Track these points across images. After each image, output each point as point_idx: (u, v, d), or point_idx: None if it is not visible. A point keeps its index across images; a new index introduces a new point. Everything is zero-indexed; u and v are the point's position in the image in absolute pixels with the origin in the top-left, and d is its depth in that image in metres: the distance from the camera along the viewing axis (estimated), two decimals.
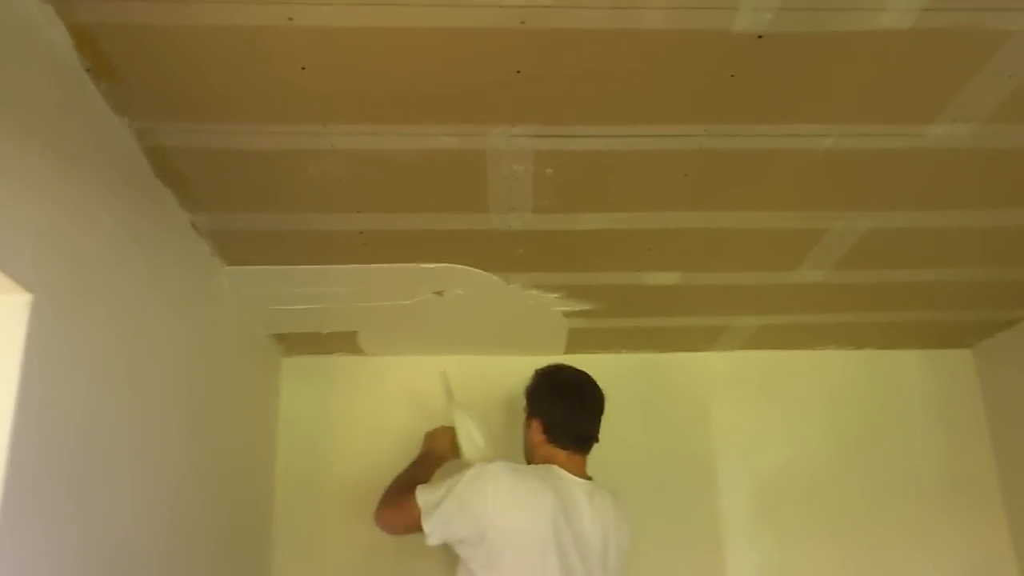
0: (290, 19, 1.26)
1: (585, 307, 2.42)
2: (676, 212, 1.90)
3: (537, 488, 1.90)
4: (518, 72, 1.40)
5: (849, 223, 1.97)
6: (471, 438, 2.24)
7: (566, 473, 1.98)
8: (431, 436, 2.37)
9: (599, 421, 2.09)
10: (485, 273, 2.17)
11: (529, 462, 2.10)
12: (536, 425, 2.07)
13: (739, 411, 2.83)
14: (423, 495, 1.94)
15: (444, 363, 2.69)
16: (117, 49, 1.31)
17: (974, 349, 2.90)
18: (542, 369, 2.19)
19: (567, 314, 2.47)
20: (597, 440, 2.08)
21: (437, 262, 2.10)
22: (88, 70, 1.35)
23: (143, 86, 1.40)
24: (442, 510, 1.88)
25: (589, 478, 2.04)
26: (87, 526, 1.39)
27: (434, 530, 1.89)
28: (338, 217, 1.86)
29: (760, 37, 1.33)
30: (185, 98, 1.44)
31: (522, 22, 1.28)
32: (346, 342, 2.65)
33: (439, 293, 2.27)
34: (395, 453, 2.59)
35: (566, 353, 2.75)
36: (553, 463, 2.00)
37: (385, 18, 1.27)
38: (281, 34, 1.29)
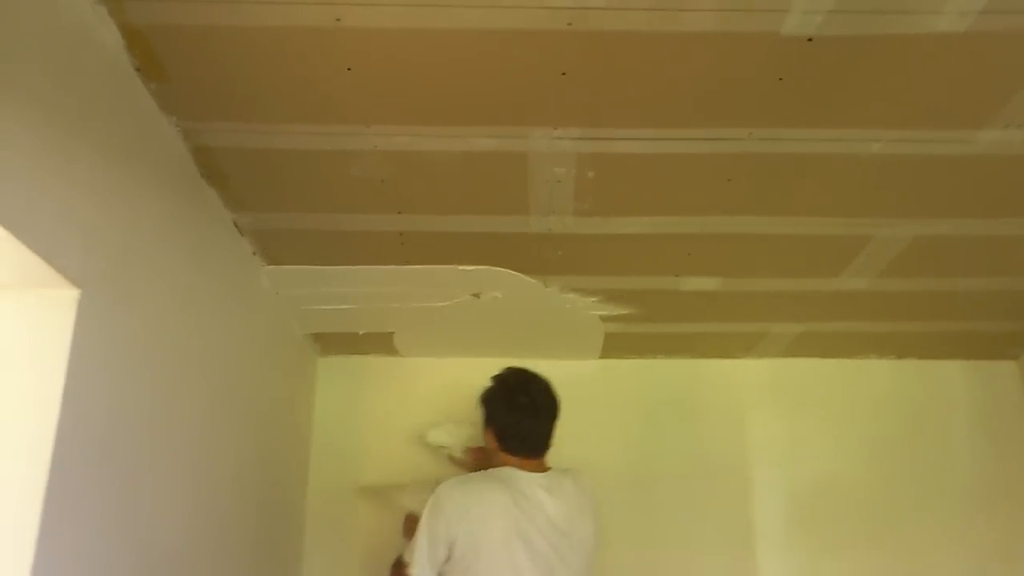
0: (338, 20, 1.26)
1: (622, 311, 2.41)
2: (718, 216, 1.88)
3: (487, 489, 1.94)
4: (563, 74, 1.39)
5: (894, 230, 1.94)
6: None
7: (518, 471, 1.99)
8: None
9: (551, 425, 2.08)
10: (523, 276, 2.16)
11: (491, 467, 2.10)
12: (490, 432, 2.09)
13: (776, 419, 2.79)
14: (406, 555, 1.97)
15: (479, 366, 2.70)
16: (167, 49, 1.33)
17: (1020, 360, 2.84)
18: (496, 375, 2.18)
19: (604, 318, 2.46)
20: (549, 444, 2.08)
21: (476, 264, 2.10)
22: (138, 70, 1.37)
23: (191, 86, 1.42)
24: (420, 552, 1.91)
25: (546, 469, 2.04)
26: (128, 522, 1.40)
27: (422, 569, 1.90)
28: (378, 218, 1.87)
29: (810, 40, 1.31)
30: (232, 98, 1.46)
31: (569, 24, 1.28)
32: (382, 343, 2.65)
33: (476, 295, 2.27)
34: (427, 454, 2.60)
35: (601, 358, 2.74)
36: (504, 467, 2.02)
37: (432, 19, 1.27)
38: (329, 35, 1.29)
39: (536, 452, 2.05)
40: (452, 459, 2.54)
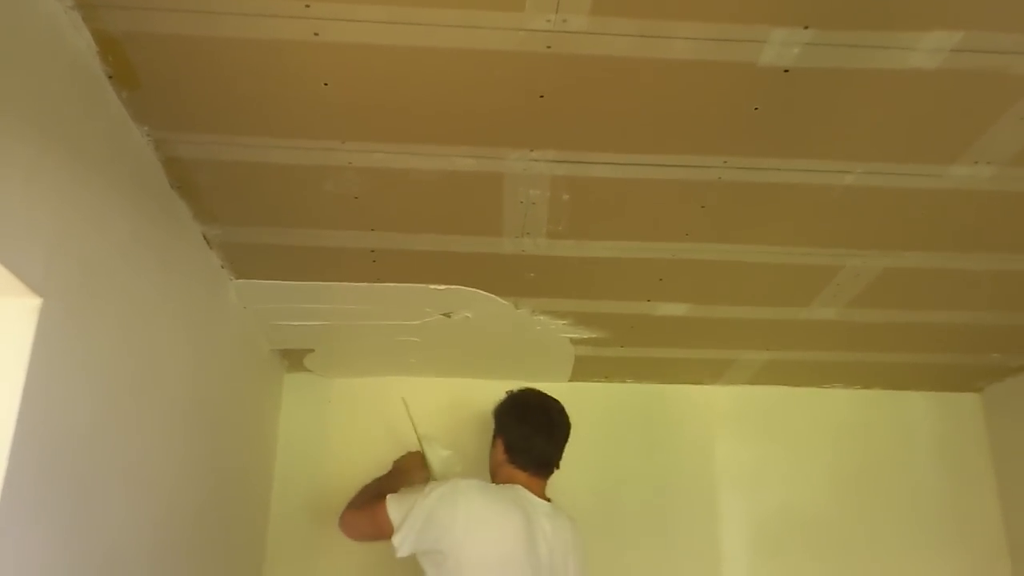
0: (316, 34, 1.25)
1: (593, 335, 2.41)
2: (690, 243, 1.89)
3: (507, 508, 1.91)
4: (541, 97, 1.40)
5: (864, 261, 1.96)
6: (439, 457, 2.28)
7: (531, 494, 1.98)
8: (400, 460, 2.37)
9: (562, 448, 2.09)
10: (495, 297, 2.15)
11: (493, 480, 2.10)
12: (500, 444, 2.08)
13: (742, 446, 2.80)
14: (393, 504, 1.93)
15: (449, 386, 2.69)
16: (141, 58, 1.31)
17: (983, 393, 2.88)
18: (513, 391, 2.19)
19: (574, 341, 2.45)
20: (558, 467, 2.08)
21: (447, 284, 2.09)
22: (110, 78, 1.35)
23: (164, 96, 1.40)
24: (411, 521, 1.87)
25: (548, 500, 2.03)
26: (83, 532, 1.36)
27: (403, 541, 1.87)
28: (351, 235, 1.85)
29: (786, 71, 1.33)
30: (205, 109, 1.44)
31: (548, 47, 1.28)
32: (348, 359, 2.62)
33: (447, 315, 2.25)
34: None
35: (571, 381, 2.73)
36: (515, 483, 2.00)
37: (411, 37, 1.26)
38: (306, 49, 1.28)
39: (543, 471, 2.04)
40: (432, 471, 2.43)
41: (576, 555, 2.02)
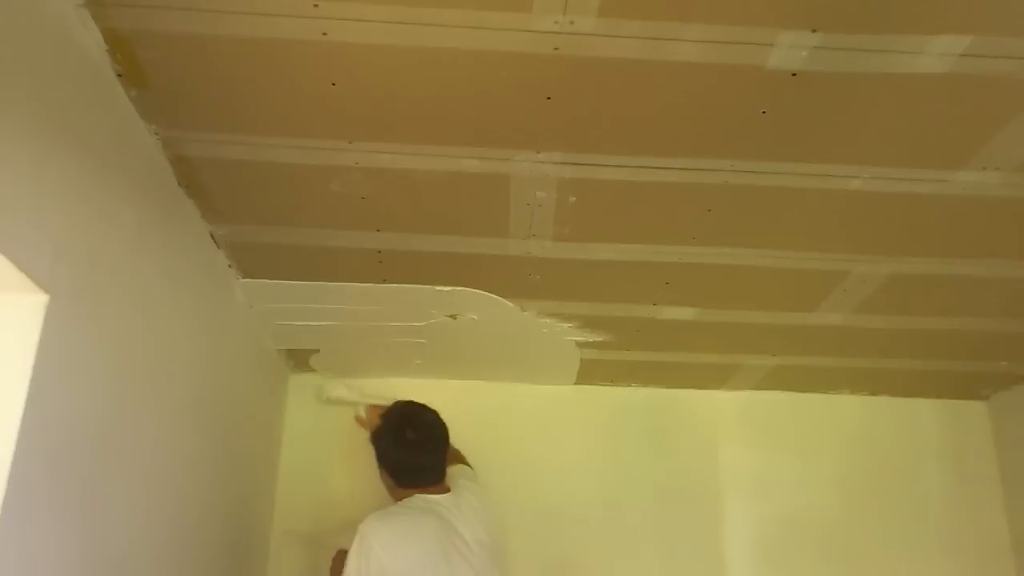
0: (324, 34, 1.26)
1: (599, 338, 2.40)
2: (697, 247, 1.88)
3: (411, 521, 1.93)
4: (548, 98, 1.40)
5: (871, 267, 1.95)
6: None
7: (428, 496, 2.00)
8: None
9: (442, 452, 2.09)
10: (501, 299, 2.15)
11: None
12: (384, 473, 2.10)
13: (748, 452, 2.79)
14: None
15: (453, 388, 2.68)
16: (150, 56, 1.31)
17: (989, 401, 2.86)
18: (382, 414, 2.18)
19: (580, 344, 2.45)
20: (444, 472, 2.09)
21: (453, 285, 2.09)
22: (119, 76, 1.35)
23: (173, 94, 1.40)
24: None
25: (448, 490, 2.05)
26: (89, 530, 1.37)
27: None
28: (357, 235, 1.85)
29: (794, 75, 1.32)
30: (213, 108, 1.44)
31: (556, 48, 1.28)
32: (351, 361, 2.62)
33: (453, 317, 2.25)
34: None
35: (577, 384, 2.73)
36: (412, 496, 2.01)
37: (419, 38, 1.27)
38: (314, 48, 1.28)
39: (434, 482, 2.04)
40: (356, 418, 2.47)
41: (490, 518, 2.04)
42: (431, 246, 1.90)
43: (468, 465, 2.32)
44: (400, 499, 2.04)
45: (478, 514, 2.03)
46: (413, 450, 2.05)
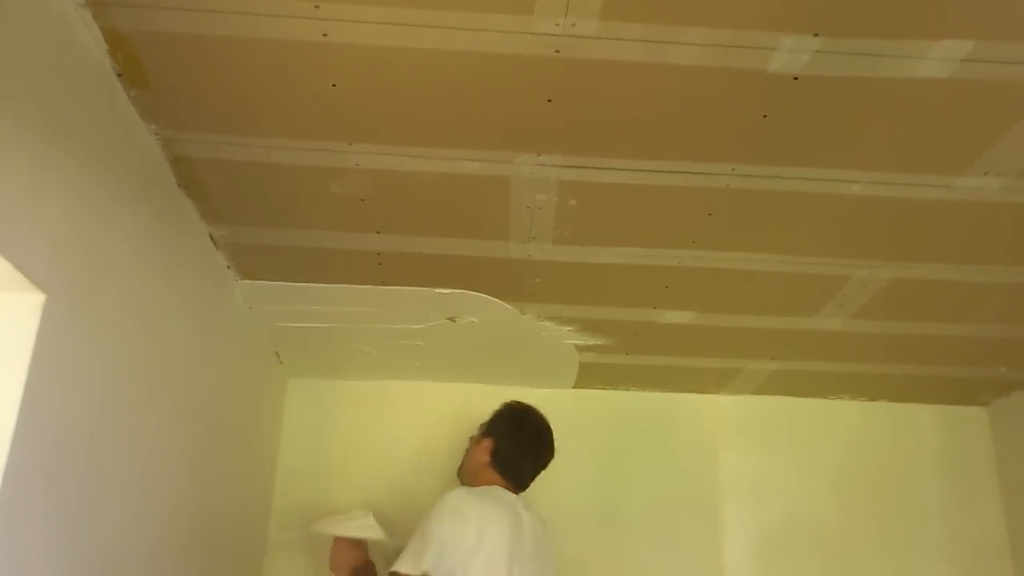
0: (325, 35, 1.25)
1: (598, 342, 2.40)
2: (697, 250, 1.88)
3: (496, 507, 1.95)
4: (549, 101, 1.39)
5: (871, 272, 1.95)
6: (365, 525, 2.22)
7: (508, 492, 2.04)
8: (334, 559, 2.22)
9: (538, 473, 2.15)
10: (500, 302, 2.15)
11: (463, 480, 2.15)
12: (486, 446, 2.11)
13: (747, 457, 2.78)
14: (403, 561, 1.81)
15: (451, 390, 2.68)
16: (150, 56, 1.31)
17: (989, 407, 2.86)
18: (516, 403, 2.22)
19: (579, 348, 2.44)
20: (525, 488, 2.13)
21: (453, 288, 2.08)
22: (119, 75, 1.35)
23: (173, 94, 1.40)
24: (427, 553, 1.79)
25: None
26: (85, 530, 1.36)
27: (436, 567, 1.79)
28: (357, 237, 1.85)
29: (796, 79, 1.32)
30: (213, 109, 1.44)
31: (557, 51, 1.28)
32: (354, 363, 2.62)
33: (452, 319, 2.25)
34: (395, 480, 2.57)
35: (576, 388, 2.72)
36: (494, 485, 2.05)
37: (420, 39, 1.26)
38: (315, 50, 1.28)
39: (517, 487, 2.09)
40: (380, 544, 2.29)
41: (548, 539, 2.08)
42: (431, 248, 1.90)
43: None
44: (481, 482, 2.06)
45: (537, 527, 2.04)
46: (527, 451, 2.12)
